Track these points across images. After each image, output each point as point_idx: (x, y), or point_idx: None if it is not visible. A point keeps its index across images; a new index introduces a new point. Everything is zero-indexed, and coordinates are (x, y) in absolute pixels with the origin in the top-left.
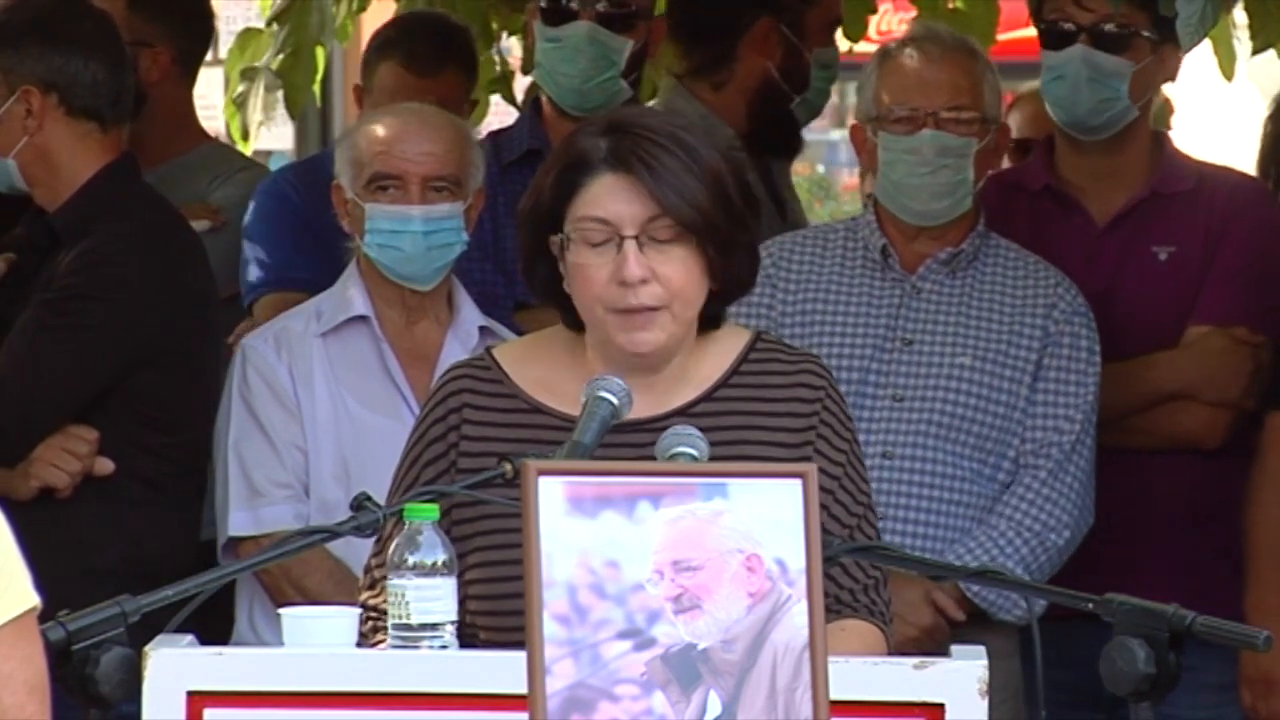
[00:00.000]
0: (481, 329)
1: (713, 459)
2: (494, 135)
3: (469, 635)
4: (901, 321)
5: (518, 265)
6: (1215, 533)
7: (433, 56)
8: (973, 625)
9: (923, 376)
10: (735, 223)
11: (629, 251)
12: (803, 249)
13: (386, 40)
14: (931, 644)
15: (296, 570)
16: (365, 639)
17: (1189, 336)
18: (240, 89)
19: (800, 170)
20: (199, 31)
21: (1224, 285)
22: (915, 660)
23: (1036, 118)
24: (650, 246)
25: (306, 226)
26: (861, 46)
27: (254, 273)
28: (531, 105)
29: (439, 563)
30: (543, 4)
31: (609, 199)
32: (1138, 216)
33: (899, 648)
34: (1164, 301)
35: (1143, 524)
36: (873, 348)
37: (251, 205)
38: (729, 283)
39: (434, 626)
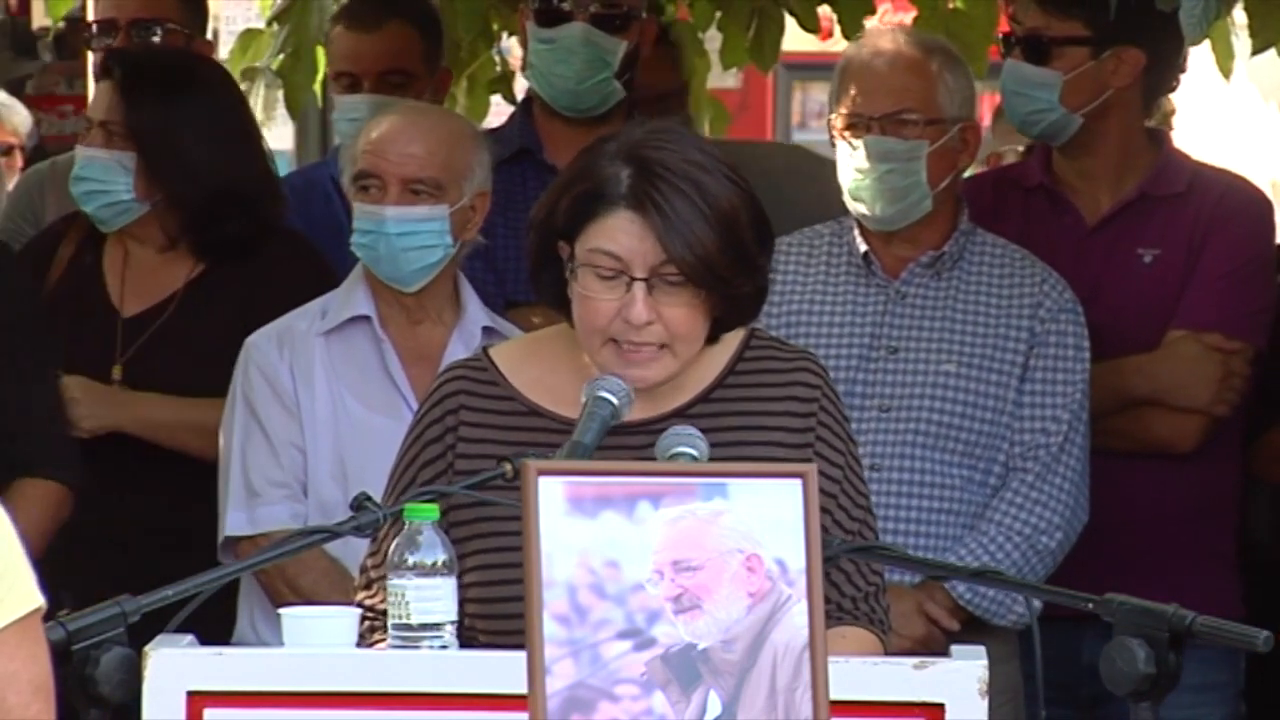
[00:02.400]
0: (486, 329)
1: (711, 459)
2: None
3: (468, 636)
4: (886, 329)
5: (526, 267)
6: (1202, 534)
7: (372, 13)
8: (969, 632)
9: (908, 385)
10: (744, 267)
11: (637, 293)
12: (788, 256)
13: (337, 12)
14: (922, 652)
15: (291, 569)
16: (363, 639)
17: (1165, 341)
18: (241, 89)
19: None
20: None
21: (1205, 290)
22: (915, 660)
23: None
24: (659, 288)
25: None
26: None
27: None
28: (522, 104)
29: (439, 563)
30: (535, 5)
31: (623, 236)
32: (1125, 218)
33: None
34: (1146, 304)
35: (1129, 526)
36: (858, 357)
37: None
38: (732, 317)
39: (434, 626)
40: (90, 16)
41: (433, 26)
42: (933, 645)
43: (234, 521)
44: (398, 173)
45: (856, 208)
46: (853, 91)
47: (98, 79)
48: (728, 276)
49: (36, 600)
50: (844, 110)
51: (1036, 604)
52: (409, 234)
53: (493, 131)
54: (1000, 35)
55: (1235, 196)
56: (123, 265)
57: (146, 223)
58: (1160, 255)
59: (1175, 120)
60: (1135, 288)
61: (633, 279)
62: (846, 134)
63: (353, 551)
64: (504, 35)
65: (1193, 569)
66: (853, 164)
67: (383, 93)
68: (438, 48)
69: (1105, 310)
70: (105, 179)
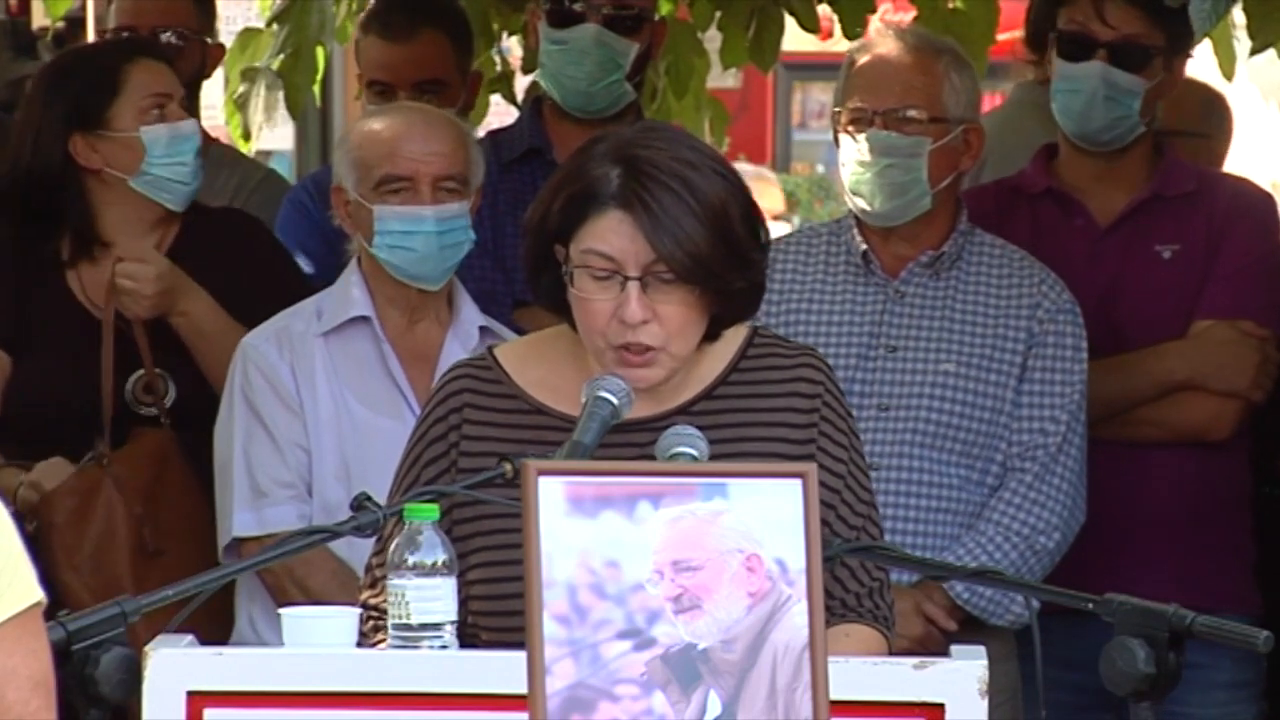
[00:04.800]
0: (482, 329)
1: (714, 456)
2: (493, 134)
3: (471, 635)
4: (885, 328)
5: (522, 271)
6: (1220, 527)
7: (406, 22)
8: (966, 632)
9: (907, 385)
10: (736, 262)
11: (631, 293)
12: (786, 254)
13: (366, 18)
14: (922, 652)
15: (300, 570)
16: (365, 638)
17: (1195, 329)
18: (241, 89)
19: (800, 170)
20: None
21: (1228, 281)
22: (915, 660)
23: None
24: (653, 286)
25: (319, 233)
26: None
27: None
28: (531, 104)
29: (439, 563)
30: (548, 6)
31: (614, 236)
32: (1140, 217)
33: None
34: (1168, 298)
35: (1148, 518)
36: (857, 356)
37: (281, 212)
38: (729, 313)
39: (434, 626)
40: (91, 19)
41: (463, 31)
42: (930, 645)
43: (241, 522)
44: (429, 171)
45: (856, 203)
46: (859, 86)
47: None
48: (720, 272)
49: (36, 595)
50: (849, 105)
51: (1035, 604)
52: (447, 231)
53: (502, 131)
54: (1064, 34)
55: (1245, 194)
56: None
57: None
58: (1179, 251)
59: None
60: (1157, 284)
61: (626, 278)
62: (850, 129)
63: (359, 552)
64: (504, 35)
65: (1210, 562)
66: (855, 158)
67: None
68: (469, 53)
69: (1128, 307)
70: None
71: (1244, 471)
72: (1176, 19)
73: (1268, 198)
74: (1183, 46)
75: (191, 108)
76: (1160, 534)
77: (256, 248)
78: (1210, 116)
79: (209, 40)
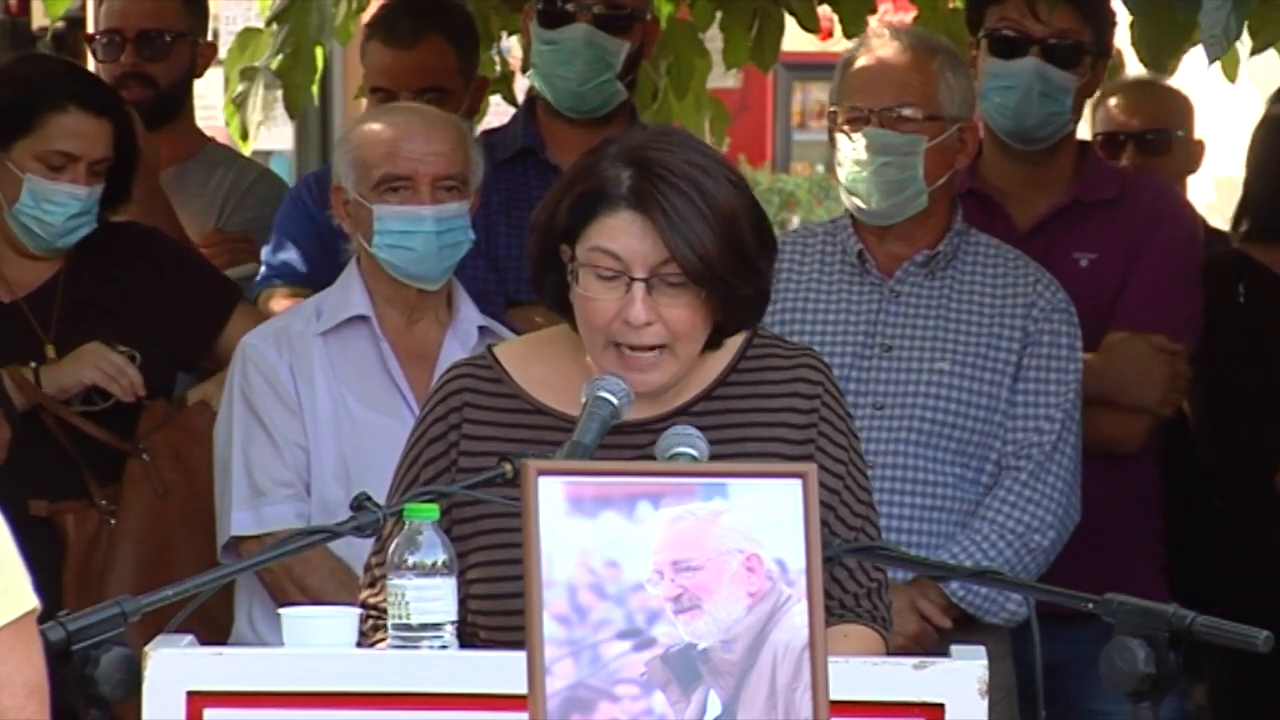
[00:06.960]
0: (481, 329)
1: (714, 457)
2: (487, 134)
3: (469, 635)
4: (881, 327)
5: (527, 271)
6: (1133, 535)
7: (409, 29)
8: (962, 630)
9: (903, 384)
10: (744, 269)
11: (637, 294)
12: (782, 254)
13: (371, 23)
14: (919, 651)
15: (298, 569)
16: (365, 637)
17: (1107, 342)
18: (240, 89)
19: (800, 170)
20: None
21: (1143, 292)
22: (915, 660)
23: (1128, 110)
24: (659, 289)
25: (316, 230)
26: None
27: (262, 269)
28: (525, 104)
29: (439, 563)
30: (539, 6)
31: (623, 236)
32: (1059, 223)
33: None
34: (1083, 308)
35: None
36: (852, 355)
37: (281, 206)
38: (733, 321)
39: (434, 626)
40: (90, 23)
41: (468, 36)
42: (925, 642)
43: (240, 521)
44: (429, 171)
45: (853, 202)
46: (854, 85)
47: None
48: (728, 277)
49: (31, 602)
50: (845, 104)
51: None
52: (446, 230)
53: (496, 131)
54: (995, 32)
55: (1167, 201)
56: None
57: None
58: (1097, 259)
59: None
60: (1072, 291)
61: (632, 279)
62: (846, 128)
63: (356, 551)
64: (504, 35)
65: (1122, 569)
66: (851, 157)
67: None
68: (473, 58)
69: None
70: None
71: (1152, 476)
72: (1103, 19)
73: (1189, 205)
74: (1108, 48)
75: (184, 105)
76: (1075, 539)
77: (162, 256)
78: (1186, 112)
79: (199, 40)
